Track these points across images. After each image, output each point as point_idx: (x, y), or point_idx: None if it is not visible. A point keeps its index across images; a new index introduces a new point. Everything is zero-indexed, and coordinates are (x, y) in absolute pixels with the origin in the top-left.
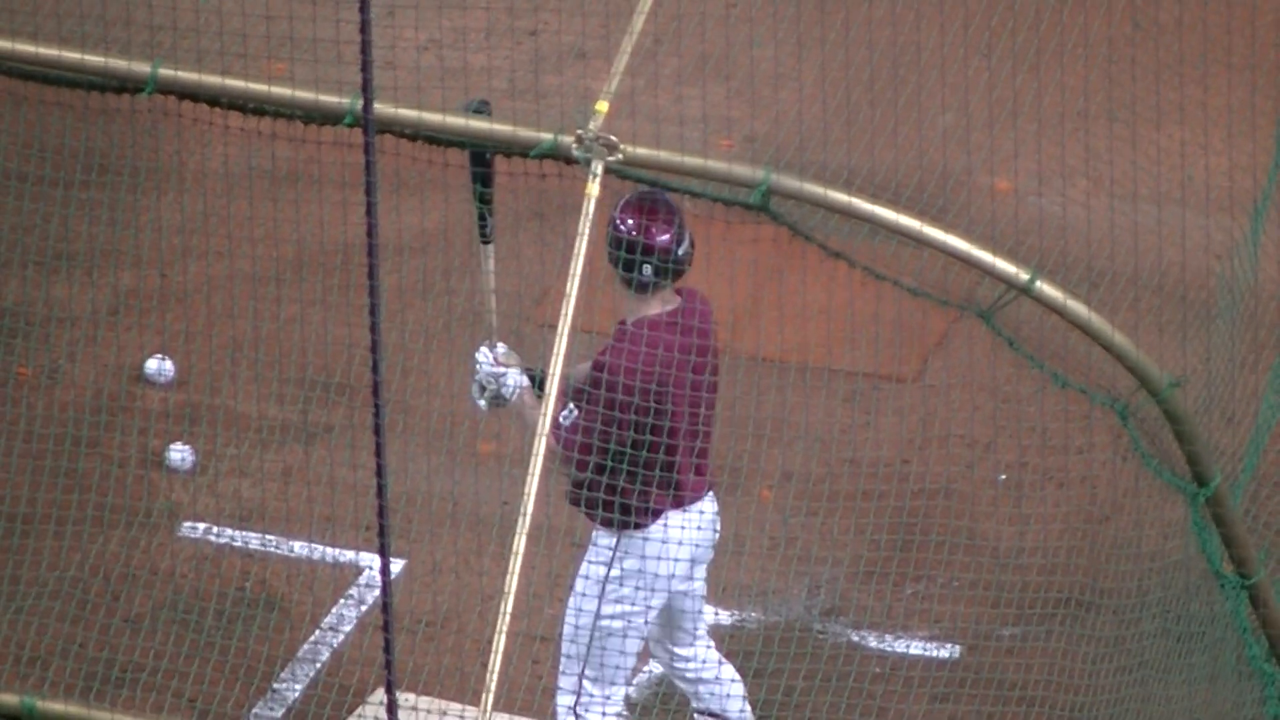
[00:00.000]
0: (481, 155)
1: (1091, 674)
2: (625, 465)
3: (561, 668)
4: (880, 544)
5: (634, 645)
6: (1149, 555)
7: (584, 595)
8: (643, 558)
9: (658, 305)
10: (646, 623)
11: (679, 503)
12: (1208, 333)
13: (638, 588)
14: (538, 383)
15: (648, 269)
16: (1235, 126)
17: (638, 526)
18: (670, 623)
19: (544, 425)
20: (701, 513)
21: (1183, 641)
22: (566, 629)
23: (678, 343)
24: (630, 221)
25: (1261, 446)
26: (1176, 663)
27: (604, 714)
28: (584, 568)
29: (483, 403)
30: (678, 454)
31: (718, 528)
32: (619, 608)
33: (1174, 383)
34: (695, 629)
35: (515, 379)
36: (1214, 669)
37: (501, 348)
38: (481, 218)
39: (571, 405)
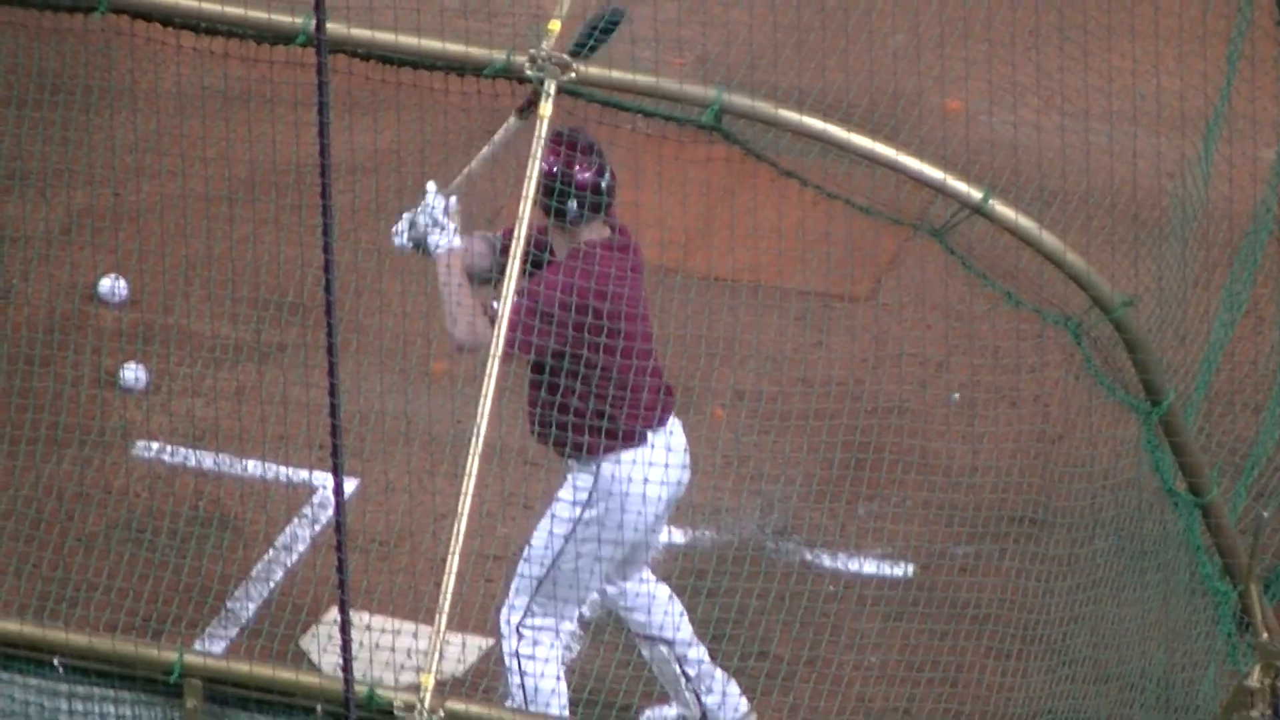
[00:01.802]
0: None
1: (1045, 593)
2: (584, 386)
3: (515, 585)
4: (833, 463)
5: (595, 582)
6: (1102, 474)
7: (555, 522)
8: (619, 492)
9: (588, 236)
10: (612, 559)
11: (649, 422)
12: (1160, 251)
13: (613, 524)
14: (498, 250)
15: (573, 204)
16: (1187, 46)
17: (609, 450)
18: (626, 558)
19: (498, 339)
20: (674, 442)
21: (1136, 560)
22: (531, 551)
23: (620, 263)
24: (552, 159)
25: (1214, 365)
26: (1130, 581)
27: (550, 643)
28: (560, 498)
29: (402, 239)
30: (635, 373)
31: (688, 455)
32: (589, 546)
33: (1126, 301)
34: (645, 564)
35: (446, 238)
36: (1167, 588)
37: (454, 202)
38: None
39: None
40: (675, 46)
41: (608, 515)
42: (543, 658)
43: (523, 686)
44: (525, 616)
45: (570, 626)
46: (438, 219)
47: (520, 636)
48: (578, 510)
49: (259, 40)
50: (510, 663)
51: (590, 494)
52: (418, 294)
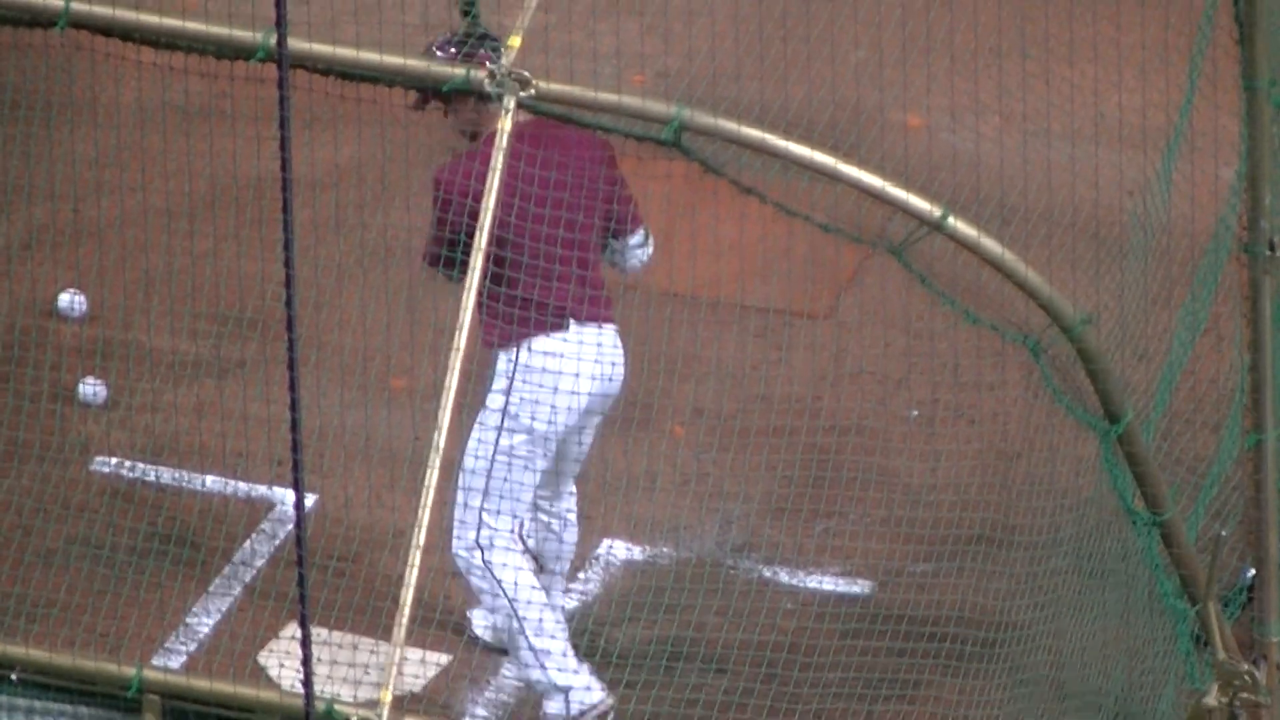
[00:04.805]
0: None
1: (1003, 610)
2: (497, 269)
3: (457, 513)
4: (792, 480)
5: (529, 474)
6: (1061, 492)
7: (481, 425)
8: (527, 379)
9: (492, 125)
10: (542, 452)
11: (555, 325)
12: (1120, 269)
13: (529, 412)
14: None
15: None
16: (1148, 63)
17: (504, 339)
18: (554, 466)
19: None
20: (600, 344)
21: (1095, 578)
22: (465, 463)
23: (527, 155)
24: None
25: (1173, 383)
26: (1088, 599)
27: (507, 545)
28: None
29: None
30: (540, 275)
31: (618, 368)
32: (510, 429)
33: (1086, 319)
34: (572, 479)
35: None
36: (1126, 606)
37: None
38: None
39: None
40: (637, 62)
41: (518, 403)
42: (506, 561)
43: (502, 591)
44: (480, 529)
45: (506, 536)
46: None
47: (480, 548)
48: (499, 399)
49: (219, 55)
50: (480, 583)
51: (509, 381)
52: (377, 309)
